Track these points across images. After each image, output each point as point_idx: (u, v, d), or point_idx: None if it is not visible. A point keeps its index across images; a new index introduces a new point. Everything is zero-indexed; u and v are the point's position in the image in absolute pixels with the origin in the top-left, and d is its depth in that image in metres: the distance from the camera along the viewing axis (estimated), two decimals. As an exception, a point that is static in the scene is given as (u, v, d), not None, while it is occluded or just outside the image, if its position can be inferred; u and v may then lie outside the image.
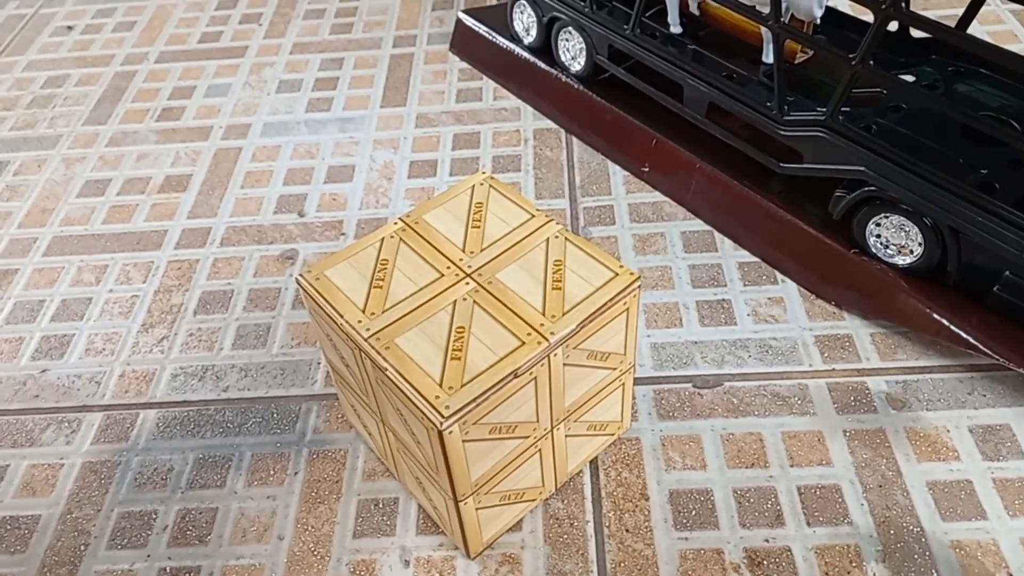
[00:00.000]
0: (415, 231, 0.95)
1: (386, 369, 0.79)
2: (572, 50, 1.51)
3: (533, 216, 0.96)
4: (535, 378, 0.82)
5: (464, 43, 1.77)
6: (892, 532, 0.92)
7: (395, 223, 0.96)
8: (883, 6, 0.96)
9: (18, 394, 1.15)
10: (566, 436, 0.94)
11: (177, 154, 1.59)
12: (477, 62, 1.74)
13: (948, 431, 1.02)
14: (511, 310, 0.85)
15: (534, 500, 0.96)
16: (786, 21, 1.20)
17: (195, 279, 1.31)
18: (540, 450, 0.91)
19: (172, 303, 1.28)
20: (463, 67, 1.76)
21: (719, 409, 1.07)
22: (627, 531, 0.95)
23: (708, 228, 1.33)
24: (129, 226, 1.43)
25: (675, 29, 1.37)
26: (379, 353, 0.81)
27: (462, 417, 0.76)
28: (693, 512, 0.96)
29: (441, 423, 0.75)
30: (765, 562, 0.91)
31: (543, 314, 0.84)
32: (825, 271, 1.19)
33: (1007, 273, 1.01)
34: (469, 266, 0.90)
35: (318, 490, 1.01)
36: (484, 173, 1.02)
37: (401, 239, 0.94)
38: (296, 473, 1.03)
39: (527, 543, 0.95)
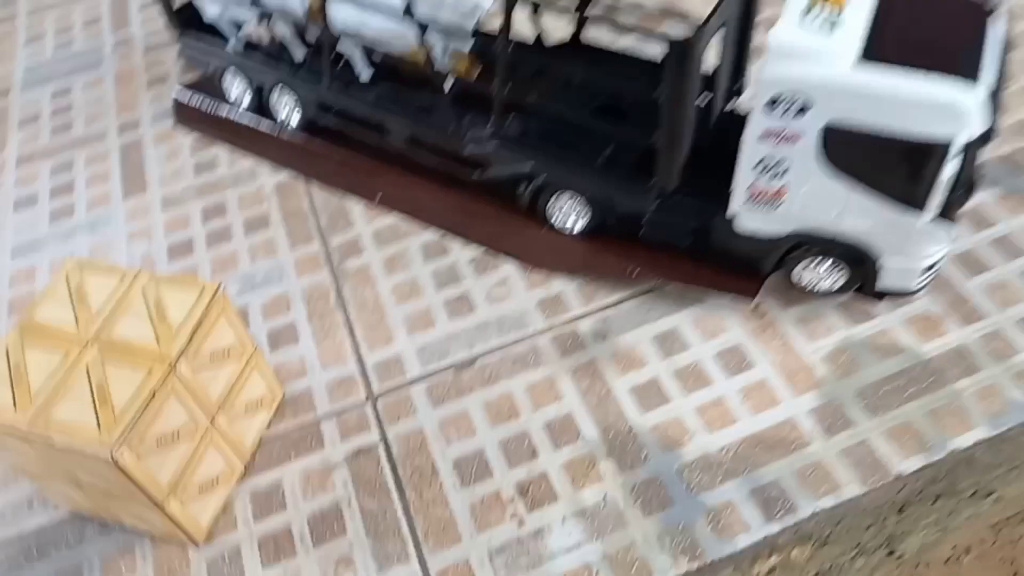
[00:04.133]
0: (31, 329, 1.13)
1: (52, 442, 1.00)
2: (287, 108, 1.70)
3: (124, 275, 1.18)
4: (173, 390, 1.06)
5: (187, 117, 1.89)
6: (612, 434, 1.26)
7: (11, 332, 1.13)
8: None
9: None
10: (230, 423, 1.20)
11: (-68, 303, 1.62)
12: (205, 132, 1.87)
13: (637, 346, 1.36)
14: (134, 352, 1.08)
15: (230, 481, 1.22)
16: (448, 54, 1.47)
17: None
18: (212, 441, 1.16)
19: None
20: (194, 139, 1.88)
21: (477, 383, 1.35)
22: (428, 504, 1.21)
23: (439, 235, 1.59)
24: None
25: (365, 76, 1.59)
26: (43, 432, 1.01)
27: (124, 440, 0.99)
28: (473, 470, 1.24)
29: (111, 451, 0.98)
30: (531, 488, 1.21)
31: (158, 343, 1.08)
32: (532, 248, 1.50)
33: (644, 219, 1.36)
34: (88, 334, 1.11)
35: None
36: (72, 259, 1.22)
37: (22, 341, 1.11)
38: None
39: (356, 538, 1.19)
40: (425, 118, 1.50)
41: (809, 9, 1.05)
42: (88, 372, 1.06)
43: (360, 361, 1.41)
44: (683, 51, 1.07)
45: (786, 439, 1.22)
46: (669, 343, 1.36)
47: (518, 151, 1.39)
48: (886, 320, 1.33)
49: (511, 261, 1.52)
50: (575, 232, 1.45)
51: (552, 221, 1.46)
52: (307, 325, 1.48)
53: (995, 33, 1.06)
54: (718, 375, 1.31)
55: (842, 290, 1.29)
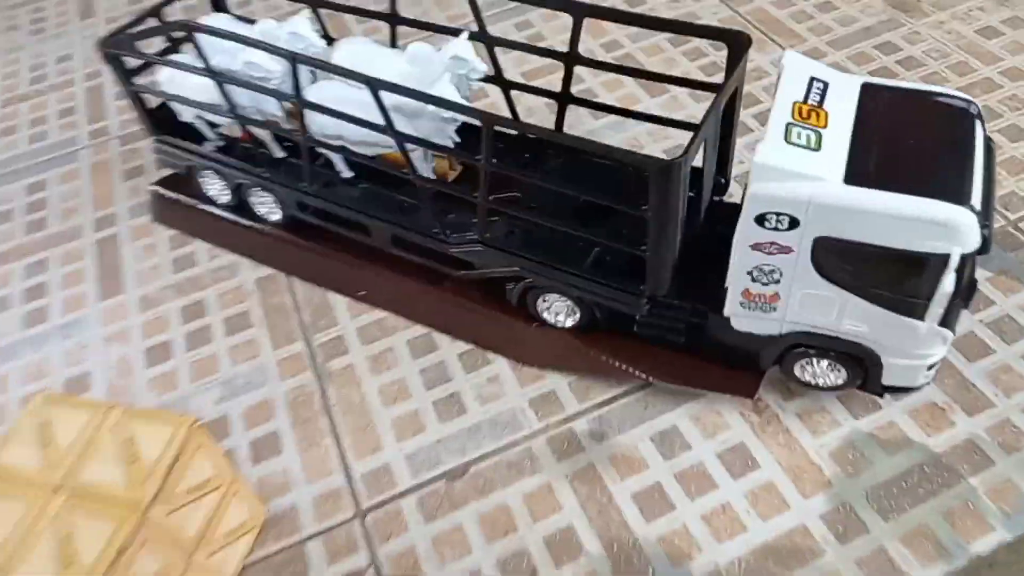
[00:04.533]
0: None
1: None
2: (267, 204, 1.66)
3: (94, 410, 1.13)
4: (145, 541, 1.00)
5: (165, 213, 1.85)
6: (615, 548, 1.20)
7: None
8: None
9: None
10: (209, 556, 1.13)
11: None
12: (183, 228, 1.83)
13: (637, 446, 1.31)
14: (104, 500, 1.01)
15: None
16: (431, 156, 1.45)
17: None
18: None
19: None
20: (172, 233, 1.84)
21: (471, 494, 1.29)
22: (423, 632, 1.14)
23: (427, 330, 1.55)
24: None
25: (346, 174, 1.57)
26: None
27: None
28: (470, 593, 1.18)
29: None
30: (532, 612, 1.15)
31: (130, 488, 1.02)
32: (522, 344, 1.46)
33: (637, 317, 1.32)
34: (55, 479, 1.04)
35: None
36: (42, 393, 1.17)
37: None
38: None
39: None
40: (407, 218, 1.47)
41: (792, 128, 1.04)
42: (54, 524, 1.00)
43: (347, 472, 1.35)
44: (666, 175, 1.05)
45: (799, 548, 1.16)
46: (669, 443, 1.31)
47: (504, 254, 1.36)
48: (891, 412, 1.29)
49: (501, 357, 1.47)
50: (567, 328, 1.41)
51: (543, 318, 1.42)
52: (291, 433, 1.42)
53: (979, 137, 1.05)
54: (723, 478, 1.26)
55: (844, 386, 1.25)
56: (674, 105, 1.89)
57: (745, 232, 1.08)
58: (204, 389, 1.50)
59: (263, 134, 1.59)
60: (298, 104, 1.39)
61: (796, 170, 1.00)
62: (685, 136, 1.16)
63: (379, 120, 1.30)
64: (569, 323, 1.40)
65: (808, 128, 1.04)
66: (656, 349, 1.36)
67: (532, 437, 1.35)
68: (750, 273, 1.12)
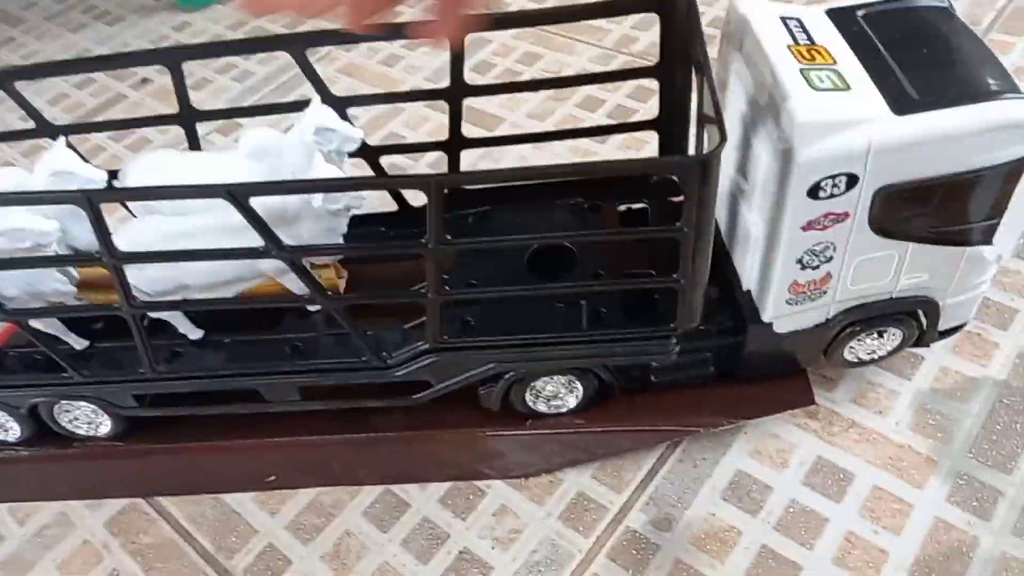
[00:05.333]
0: None
1: None
2: (85, 418, 1.18)
3: None
4: None
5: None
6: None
7: None
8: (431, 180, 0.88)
9: None
10: None
11: None
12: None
13: (713, 514, 1.06)
14: None
15: None
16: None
17: None
18: None
19: None
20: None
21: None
22: None
23: (380, 489, 1.16)
24: None
25: (195, 335, 1.14)
26: None
27: None
28: None
29: None
30: None
31: None
32: (515, 452, 1.14)
33: (652, 363, 1.08)
34: None
35: None
36: None
37: None
38: None
39: None
40: (315, 359, 1.10)
41: (808, 72, 0.86)
42: None
43: None
44: (706, 171, 0.81)
45: (951, 547, 0.98)
46: (746, 493, 1.07)
47: (471, 353, 1.04)
48: (936, 360, 1.17)
49: (496, 480, 1.14)
50: (571, 410, 1.12)
51: (535, 410, 1.12)
52: None
53: (970, 29, 0.94)
54: (827, 507, 1.04)
55: (898, 349, 1.10)
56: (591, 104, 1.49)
57: (793, 212, 0.87)
58: None
59: (50, 328, 1.12)
60: (113, 263, 0.95)
61: (845, 118, 0.82)
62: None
63: (250, 242, 0.92)
64: (572, 402, 1.11)
65: (824, 68, 0.87)
66: (678, 393, 1.12)
67: (589, 561, 1.04)
68: (799, 261, 0.92)
